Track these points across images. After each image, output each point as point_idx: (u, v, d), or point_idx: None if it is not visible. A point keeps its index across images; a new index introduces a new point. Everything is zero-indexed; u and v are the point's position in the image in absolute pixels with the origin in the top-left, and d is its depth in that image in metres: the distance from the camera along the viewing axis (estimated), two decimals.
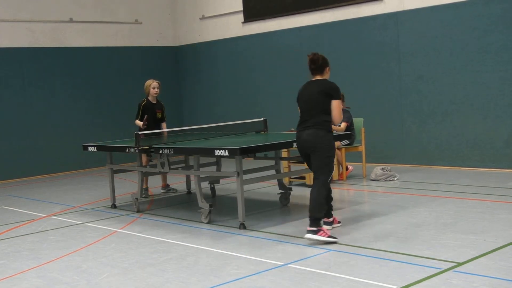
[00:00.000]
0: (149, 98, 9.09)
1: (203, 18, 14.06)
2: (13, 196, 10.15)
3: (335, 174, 9.38)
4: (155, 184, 10.12)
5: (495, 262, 4.88)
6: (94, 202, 8.98)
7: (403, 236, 5.87)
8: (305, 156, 6.10)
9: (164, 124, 9.28)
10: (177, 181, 10.01)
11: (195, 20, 14.29)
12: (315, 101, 5.96)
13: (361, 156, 9.73)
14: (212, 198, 8.73)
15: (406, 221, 6.47)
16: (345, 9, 11.26)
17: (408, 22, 10.41)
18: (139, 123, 8.93)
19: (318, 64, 6.04)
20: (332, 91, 5.93)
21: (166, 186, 9.47)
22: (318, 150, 5.90)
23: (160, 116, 9.15)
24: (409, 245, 5.53)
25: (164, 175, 9.16)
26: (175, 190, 9.45)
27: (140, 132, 7.63)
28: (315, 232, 5.75)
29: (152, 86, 9.05)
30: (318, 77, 6.09)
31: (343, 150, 9.45)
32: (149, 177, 9.42)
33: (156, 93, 9.07)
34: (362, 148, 9.69)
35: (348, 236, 5.99)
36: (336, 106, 5.91)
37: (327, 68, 6.10)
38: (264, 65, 12.85)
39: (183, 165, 9.14)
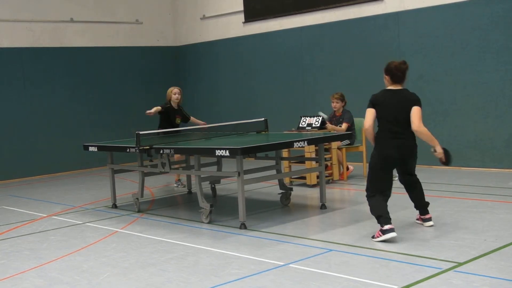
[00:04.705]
0: (172, 103, 9.37)
1: (204, 18, 14.06)
2: (14, 196, 10.15)
3: (335, 174, 9.40)
4: (156, 184, 10.12)
5: (495, 262, 4.89)
6: (94, 202, 8.99)
7: (403, 236, 5.87)
8: None
9: (193, 118, 9.68)
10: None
11: (195, 20, 14.29)
12: None
13: (362, 156, 9.72)
14: (213, 198, 8.73)
15: (407, 221, 6.48)
16: (346, 9, 11.26)
17: (408, 22, 10.41)
18: (157, 108, 9.14)
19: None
20: None
21: (178, 181, 9.79)
22: None
23: (179, 121, 9.48)
24: (409, 245, 5.53)
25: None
26: (184, 185, 9.62)
27: (149, 131, 7.78)
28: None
29: (174, 92, 9.39)
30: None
31: (344, 150, 9.46)
32: (150, 177, 9.48)
33: (177, 99, 9.41)
34: (362, 148, 9.69)
35: (348, 236, 6.00)
36: None
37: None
38: (265, 65, 12.85)
39: (184, 165, 9.18)
